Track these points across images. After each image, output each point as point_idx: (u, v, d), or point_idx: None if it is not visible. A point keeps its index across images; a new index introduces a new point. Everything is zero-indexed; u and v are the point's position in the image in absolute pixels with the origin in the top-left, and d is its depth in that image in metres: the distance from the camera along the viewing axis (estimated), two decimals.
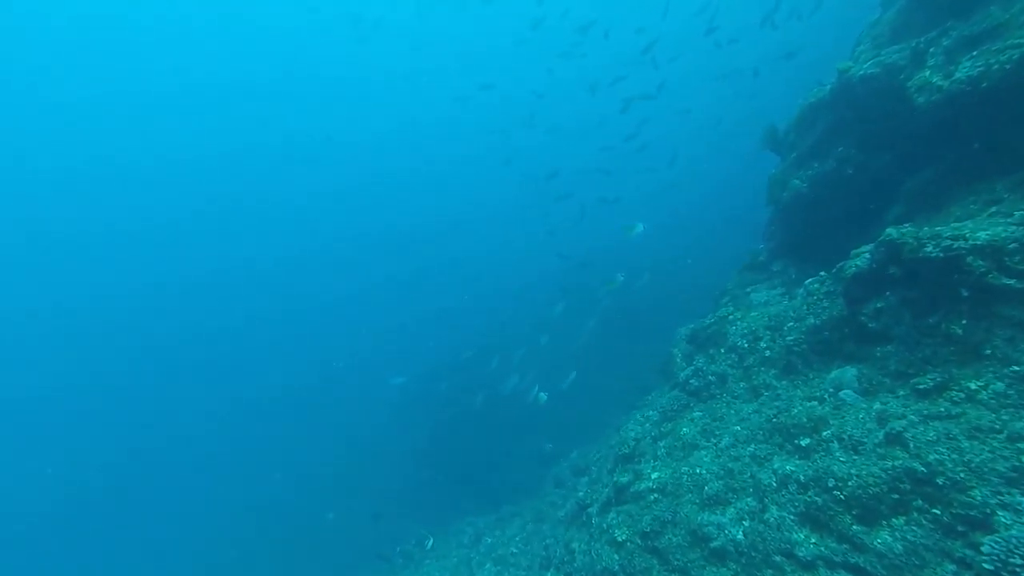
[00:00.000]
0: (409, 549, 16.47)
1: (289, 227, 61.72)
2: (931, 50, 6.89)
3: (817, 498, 5.89)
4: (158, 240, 56.68)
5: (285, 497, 31.28)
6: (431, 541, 14.89)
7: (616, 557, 7.50)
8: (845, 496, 5.61)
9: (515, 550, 13.38)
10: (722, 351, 9.15)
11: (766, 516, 6.38)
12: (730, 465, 7.41)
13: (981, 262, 5.26)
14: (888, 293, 6.33)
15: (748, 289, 11.11)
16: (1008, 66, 5.50)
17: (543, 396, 14.69)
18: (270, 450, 37.83)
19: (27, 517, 40.05)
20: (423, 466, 24.01)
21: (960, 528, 4.79)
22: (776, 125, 10.82)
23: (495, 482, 19.80)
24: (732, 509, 6.92)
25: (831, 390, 6.85)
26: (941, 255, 5.45)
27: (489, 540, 14.82)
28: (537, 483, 17.84)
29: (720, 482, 7.32)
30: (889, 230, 6.09)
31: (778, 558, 5.97)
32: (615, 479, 8.71)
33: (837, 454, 6.04)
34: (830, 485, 5.79)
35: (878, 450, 5.67)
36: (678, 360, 11.21)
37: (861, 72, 7.75)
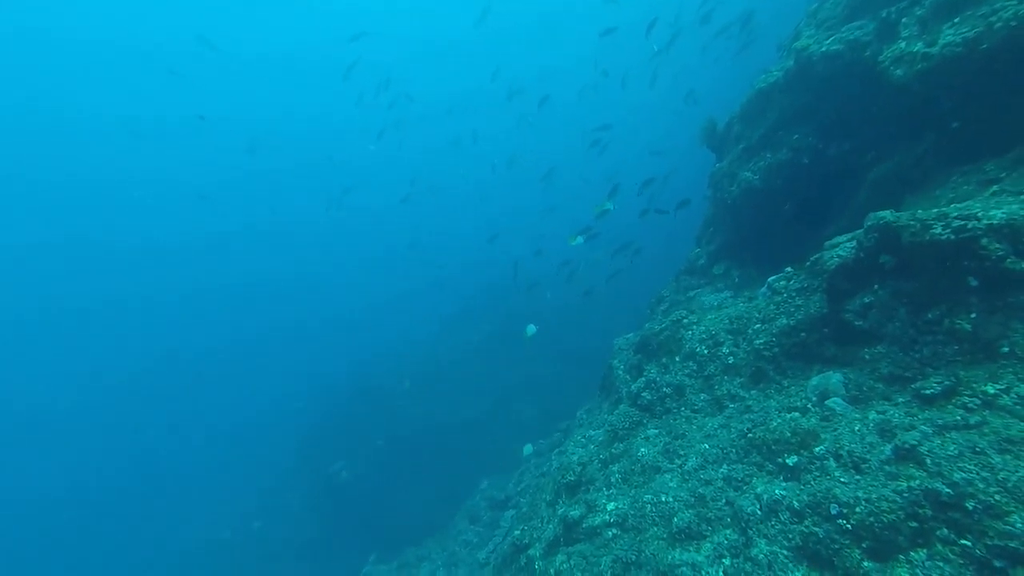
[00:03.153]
0: None
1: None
2: (903, 20, 6.41)
3: (817, 528, 4.87)
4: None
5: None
6: None
7: None
8: (853, 525, 4.63)
9: None
10: (677, 359, 8.17)
11: (753, 552, 5.30)
12: (701, 490, 6.32)
13: (998, 245, 4.55)
14: (877, 286, 5.57)
15: (691, 294, 10.36)
16: (1013, 23, 4.95)
17: (532, 328, 14.01)
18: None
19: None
20: (310, 505, 21.39)
21: (997, 563, 3.90)
22: (715, 119, 10.24)
23: (393, 518, 17.66)
24: (708, 544, 5.79)
25: (814, 399, 5.98)
26: (953, 237, 4.69)
27: None
28: (444, 519, 15.98)
29: (691, 511, 6.20)
30: (882, 213, 5.34)
31: None
32: (562, 512, 7.36)
33: (836, 474, 5.09)
34: (833, 512, 4.80)
35: (887, 468, 4.76)
36: (620, 372, 10.18)
37: (822, 49, 7.19)
